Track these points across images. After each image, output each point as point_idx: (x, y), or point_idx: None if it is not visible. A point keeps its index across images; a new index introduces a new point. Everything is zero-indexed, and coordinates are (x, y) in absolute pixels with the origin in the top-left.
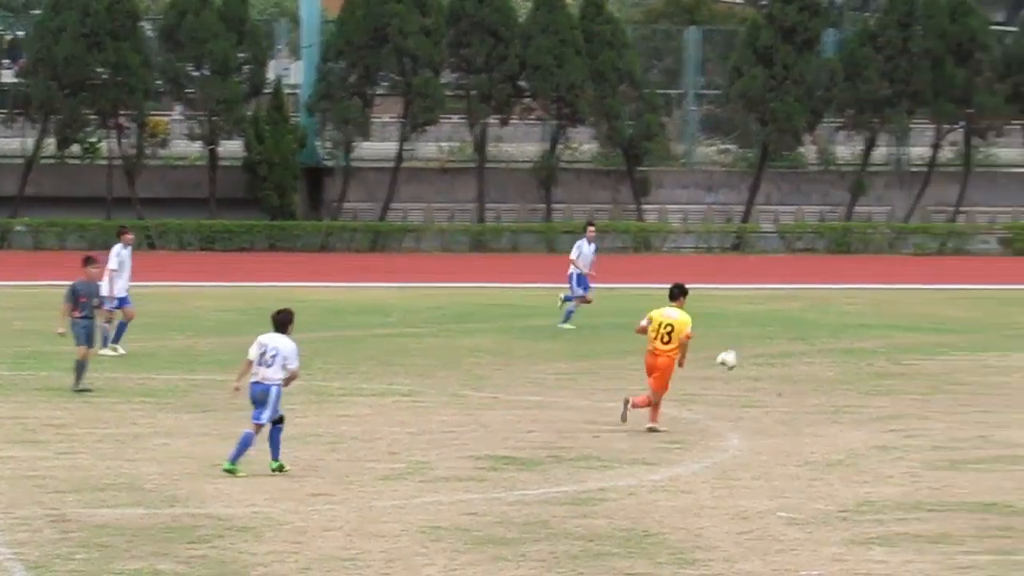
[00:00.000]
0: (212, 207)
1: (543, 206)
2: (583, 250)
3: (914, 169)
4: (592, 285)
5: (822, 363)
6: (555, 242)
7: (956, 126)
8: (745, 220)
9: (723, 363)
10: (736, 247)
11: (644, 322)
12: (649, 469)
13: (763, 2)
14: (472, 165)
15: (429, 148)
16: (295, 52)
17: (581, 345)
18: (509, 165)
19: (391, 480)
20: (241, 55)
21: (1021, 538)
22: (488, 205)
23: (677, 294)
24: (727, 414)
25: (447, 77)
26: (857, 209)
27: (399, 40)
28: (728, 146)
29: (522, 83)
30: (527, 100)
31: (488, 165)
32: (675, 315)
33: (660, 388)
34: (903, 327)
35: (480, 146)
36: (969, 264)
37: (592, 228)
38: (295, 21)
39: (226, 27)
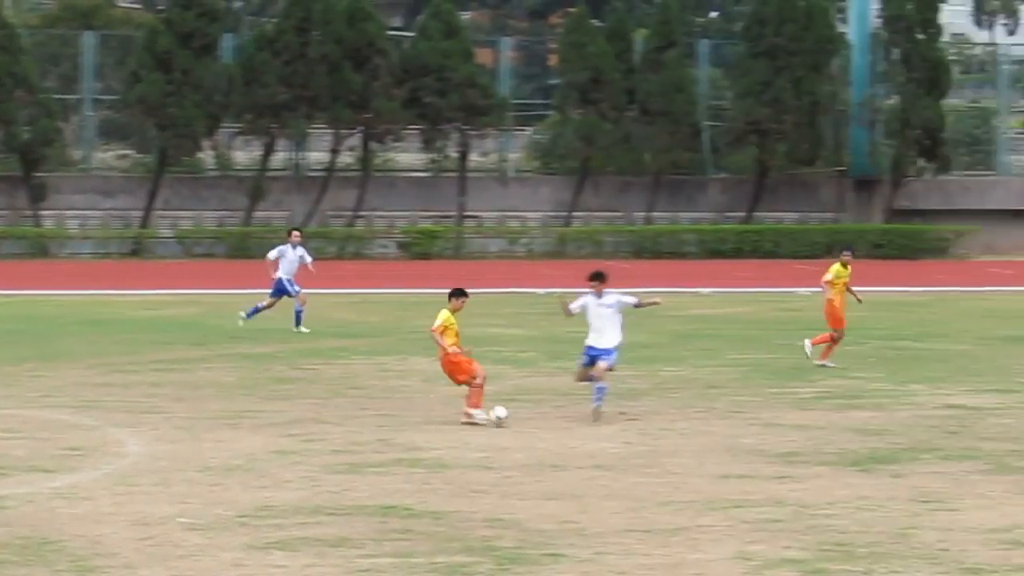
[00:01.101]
0: None
1: None
2: (287, 255)
3: (313, 174)
4: (299, 288)
5: (222, 368)
6: None
7: (354, 131)
8: (144, 225)
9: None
10: (135, 252)
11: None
12: (48, 476)
13: (161, 7)
14: None
15: None
16: None
17: None
18: None
19: None
20: None
21: (420, 540)
22: None
23: (450, 296)
24: (126, 420)
25: None
26: (256, 214)
27: None
28: (126, 151)
29: None
30: None
31: None
32: (442, 314)
33: (464, 380)
34: (302, 331)
35: None
36: (368, 268)
37: (297, 233)
38: None
39: None
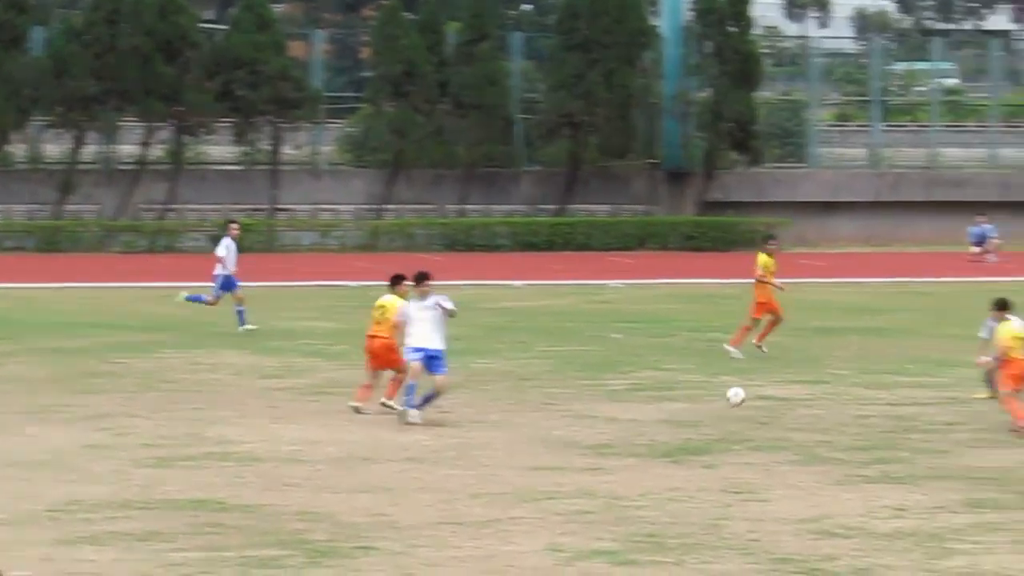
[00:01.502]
0: None
1: None
2: (231, 249)
3: (124, 167)
4: (240, 282)
5: (31, 363)
6: None
7: (166, 124)
8: None
9: (732, 399)
10: None
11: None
12: None
13: None
14: None
15: None
16: None
17: None
18: None
19: None
20: None
21: (231, 534)
22: None
23: (394, 282)
24: None
25: None
26: (67, 207)
27: None
28: None
29: None
30: None
31: None
32: (387, 299)
33: (398, 365)
34: (113, 325)
35: None
36: (179, 262)
37: (235, 225)
38: None
39: None
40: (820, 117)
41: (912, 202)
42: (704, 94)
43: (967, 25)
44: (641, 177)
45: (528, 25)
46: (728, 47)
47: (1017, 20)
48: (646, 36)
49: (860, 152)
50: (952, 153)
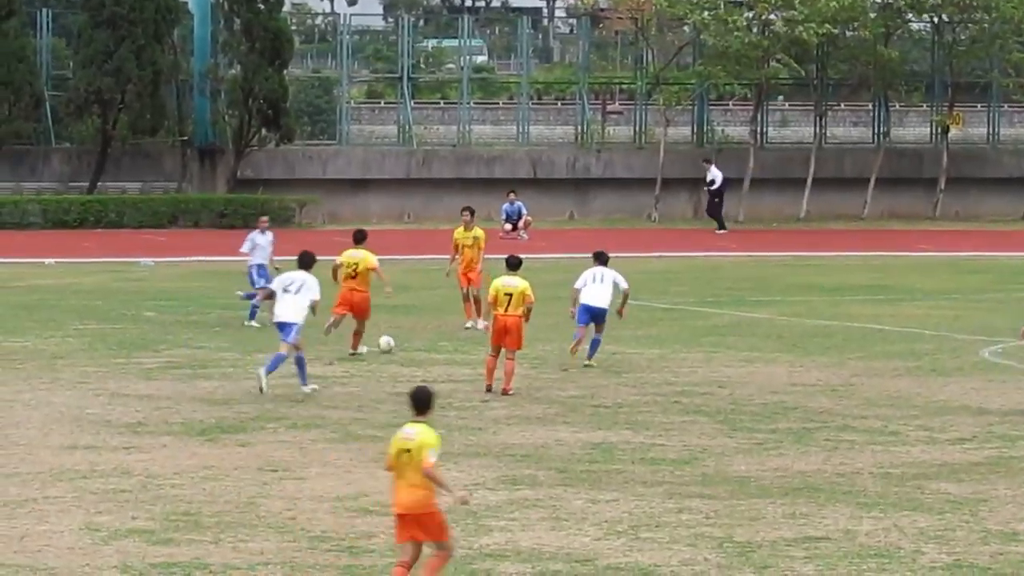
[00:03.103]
0: None
1: None
2: (256, 241)
3: None
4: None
5: None
6: None
7: None
8: None
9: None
10: None
11: None
12: None
13: None
14: None
15: None
16: None
17: None
18: None
19: None
20: None
21: None
22: None
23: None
24: None
25: None
26: None
27: None
28: None
29: None
30: None
31: None
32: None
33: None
34: None
35: None
36: None
37: (264, 219)
38: None
39: None
40: (350, 95)
41: (443, 179)
42: (234, 71)
43: (495, 3)
44: (172, 154)
45: (56, 2)
46: (257, 24)
47: None
48: (174, 13)
49: (391, 130)
50: (482, 130)
